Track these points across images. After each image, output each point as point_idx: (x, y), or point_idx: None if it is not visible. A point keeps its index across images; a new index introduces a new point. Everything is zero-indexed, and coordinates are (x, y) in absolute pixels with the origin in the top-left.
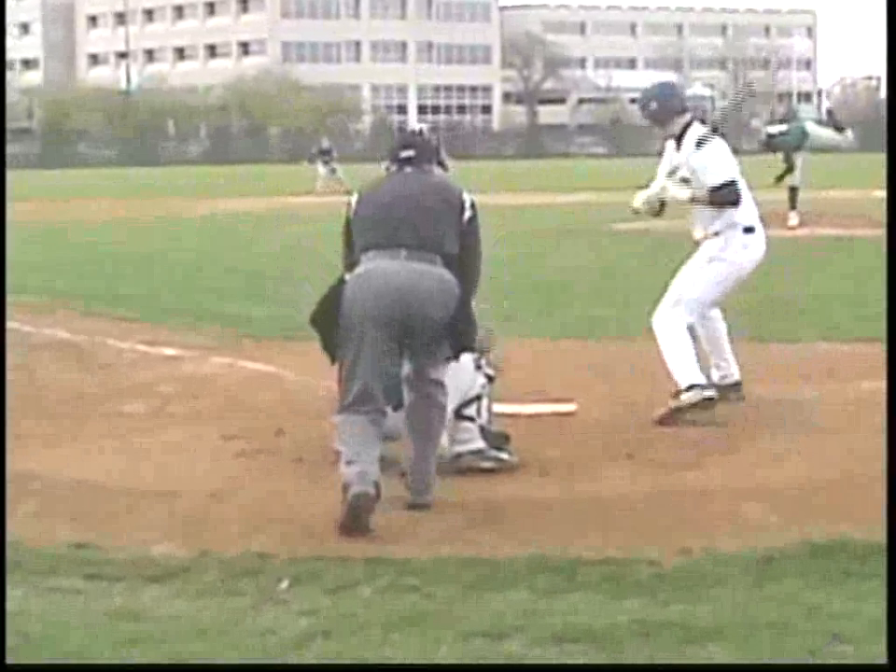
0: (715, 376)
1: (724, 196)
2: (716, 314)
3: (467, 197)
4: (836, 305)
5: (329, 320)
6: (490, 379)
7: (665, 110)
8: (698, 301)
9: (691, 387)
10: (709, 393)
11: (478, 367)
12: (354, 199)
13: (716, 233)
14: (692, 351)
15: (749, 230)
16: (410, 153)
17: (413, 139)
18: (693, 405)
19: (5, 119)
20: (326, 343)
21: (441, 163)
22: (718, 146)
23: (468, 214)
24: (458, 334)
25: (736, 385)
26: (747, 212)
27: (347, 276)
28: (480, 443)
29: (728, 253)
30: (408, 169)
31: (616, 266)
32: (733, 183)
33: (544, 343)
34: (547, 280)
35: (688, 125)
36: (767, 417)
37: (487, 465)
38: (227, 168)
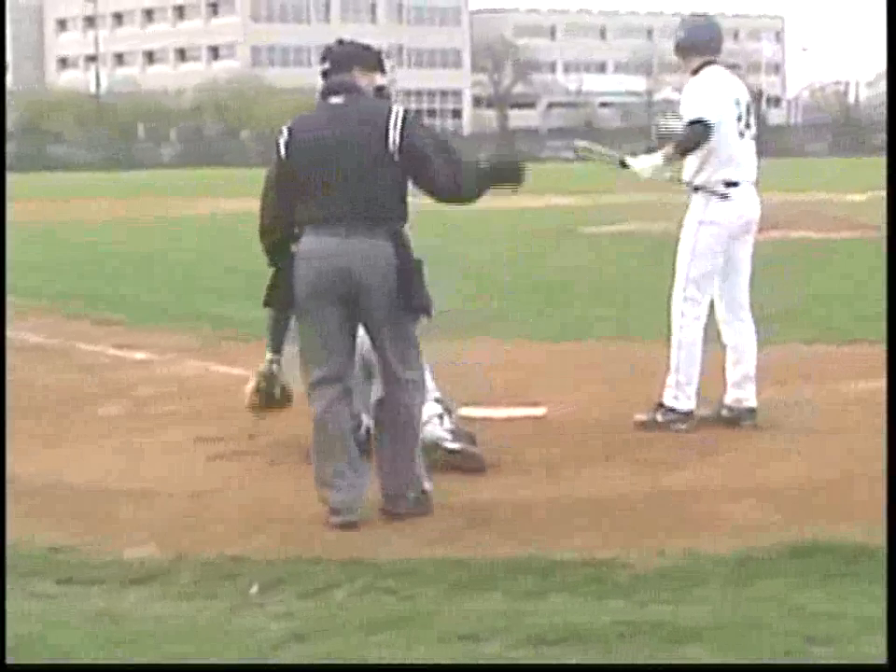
0: (729, 398)
1: (688, 133)
2: (747, 314)
3: (394, 117)
4: (822, 307)
5: (286, 296)
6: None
7: (687, 42)
8: (705, 275)
9: (671, 410)
10: (683, 427)
11: (440, 416)
12: (283, 138)
13: (696, 189)
14: (697, 363)
15: (731, 184)
16: (325, 65)
17: (330, 49)
18: (669, 424)
19: (5, 119)
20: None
21: (376, 67)
22: (710, 82)
23: (392, 145)
24: (408, 296)
25: (753, 410)
26: (732, 166)
27: (294, 249)
28: (439, 432)
29: (711, 212)
30: (334, 99)
31: (592, 268)
32: (700, 122)
33: (534, 344)
34: (524, 282)
35: (707, 63)
36: (759, 418)
37: (453, 445)
38: (205, 171)
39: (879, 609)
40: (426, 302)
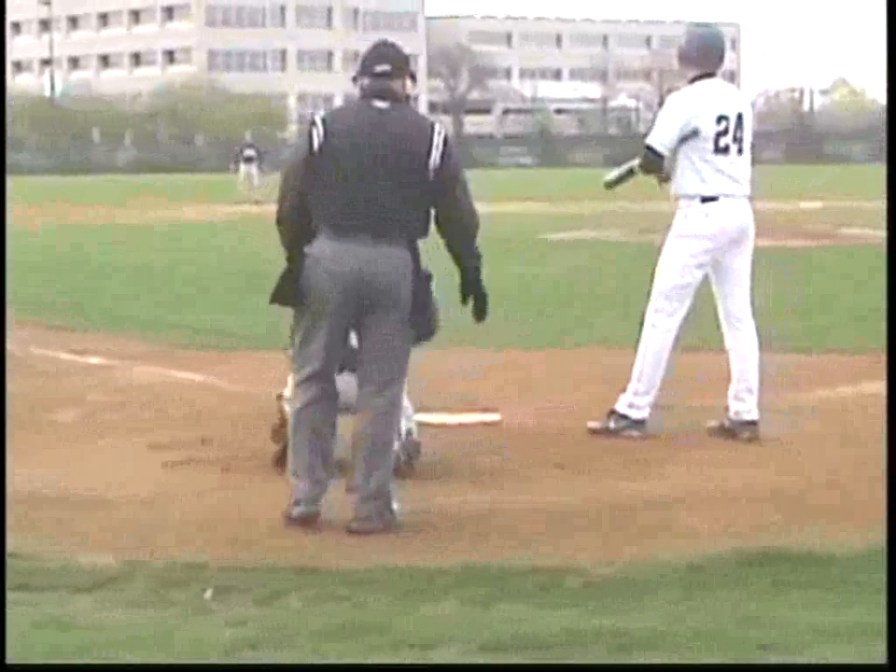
0: (731, 409)
1: (642, 156)
2: (747, 325)
3: (437, 136)
4: (775, 314)
5: (292, 294)
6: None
7: (681, 53)
8: (677, 287)
9: (624, 417)
10: (634, 434)
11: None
12: (318, 130)
13: (678, 201)
14: (659, 374)
15: (708, 199)
16: (385, 67)
17: (388, 51)
18: (621, 431)
19: (5, 121)
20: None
21: (412, 76)
22: (675, 102)
23: (433, 164)
24: (418, 310)
25: (752, 423)
26: (709, 181)
27: (307, 250)
28: None
29: (689, 226)
30: (378, 104)
31: (549, 275)
32: (648, 148)
33: (476, 351)
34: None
35: (697, 78)
36: (701, 426)
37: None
38: (161, 176)
39: (831, 617)
40: (433, 321)
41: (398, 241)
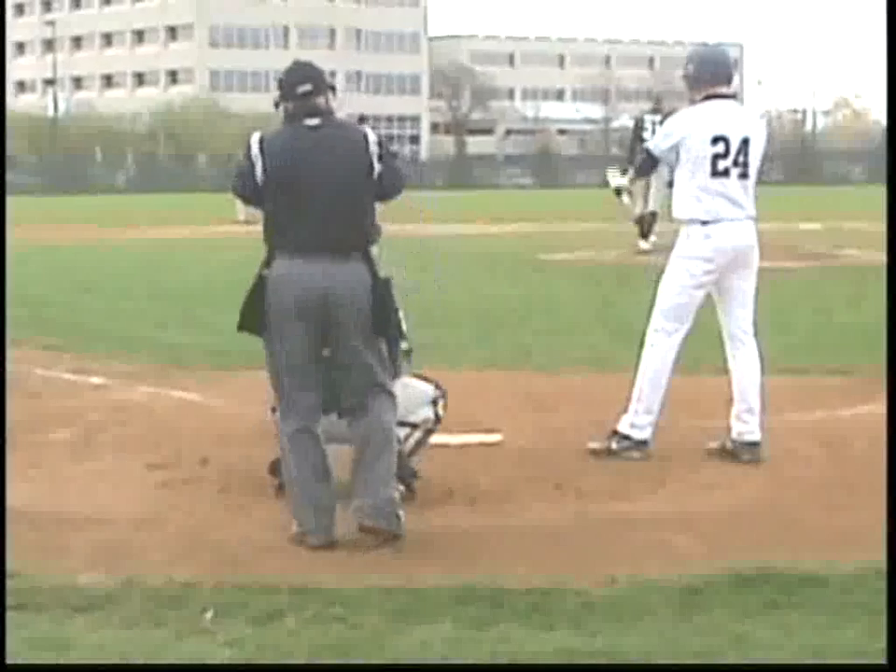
0: (733, 430)
1: (638, 158)
2: (750, 345)
3: (372, 142)
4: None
5: (257, 319)
6: (437, 419)
7: (686, 73)
8: (677, 307)
9: (626, 438)
10: (636, 455)
11: (434, 402)
12: (258, 161)
13: (679, 224)
14: (659, 395)
15: (708, 222)
16: (307, 87)
17: (305, 70)
18: (622, 452)
19: (5, 127)
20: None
21: (332, 88)
22: (670, 121)
23: (377, 172)
24: (383, 314)
25: (754, 444)
26: (709, 205)
27: (266, 272)
28: None
29: (690, 247)
30: (309, 121)
31: (546, 296)
32: (644, 151)
33: (473, 372)
34: (477, 309)
35: (707, 98)
36: (696, 446)
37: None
38: (156, 197)
39: (821, 638)
40: (398, 325)
41: (354, 253)
